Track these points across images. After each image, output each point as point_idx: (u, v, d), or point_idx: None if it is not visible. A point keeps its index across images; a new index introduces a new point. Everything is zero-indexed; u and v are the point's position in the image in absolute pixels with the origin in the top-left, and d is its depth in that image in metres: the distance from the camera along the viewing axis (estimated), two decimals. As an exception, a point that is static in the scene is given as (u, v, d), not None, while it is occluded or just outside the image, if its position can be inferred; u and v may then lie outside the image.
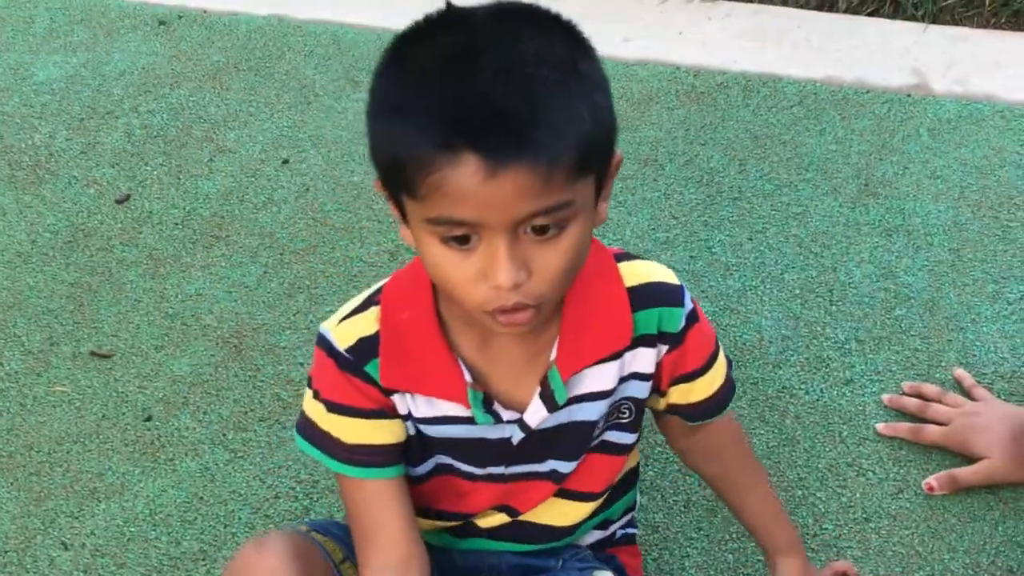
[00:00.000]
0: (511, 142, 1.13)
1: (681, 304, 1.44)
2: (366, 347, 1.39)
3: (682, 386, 1.50)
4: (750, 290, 2.21)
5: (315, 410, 1.43)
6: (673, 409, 1.54)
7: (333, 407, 1.42)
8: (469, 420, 1.41)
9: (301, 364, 2.16)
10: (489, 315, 1.24)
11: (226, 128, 2.69)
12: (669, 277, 1.45)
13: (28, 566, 1.91)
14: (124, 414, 2.12)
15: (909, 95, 2.60)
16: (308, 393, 1.45)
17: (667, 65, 2.75)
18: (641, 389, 1.46)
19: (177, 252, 2.41)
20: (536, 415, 1.41)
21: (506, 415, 1.41)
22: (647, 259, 1.47)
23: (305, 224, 2.44)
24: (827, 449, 1.95)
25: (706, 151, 2.51)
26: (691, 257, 2.28)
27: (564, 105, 1.16)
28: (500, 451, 1.44)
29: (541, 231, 1.19)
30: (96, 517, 1.97)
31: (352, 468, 1.43)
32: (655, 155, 2.51)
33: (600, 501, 1.55)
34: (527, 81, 1.15)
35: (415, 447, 1.47)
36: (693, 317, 1.45)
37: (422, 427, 1.44)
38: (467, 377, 1.38)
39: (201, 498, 1.98)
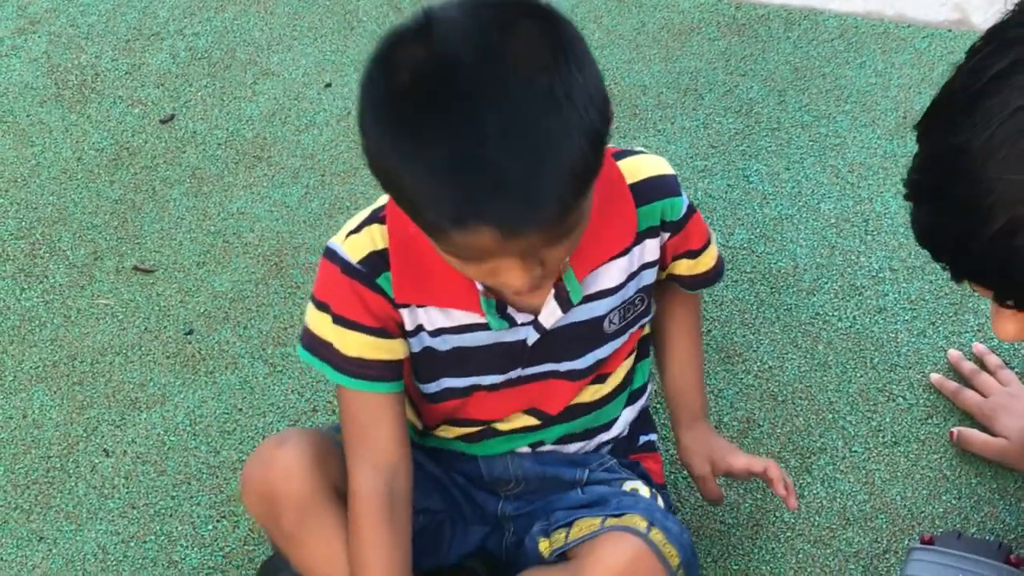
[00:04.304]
0: (523, 214, 1.19)
1: (680, 194, 1.51)
2: (377, 260, 1.42)
3: (686, 261, 1.58)
4: (786, 219, 2.23)
5: (319, 321, 1.46)
6: (675, 278, 1.62)
7: (338, 319, 1.44)
8: (484, 327, 1.45)
9: (340, 282, 2.18)
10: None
11: (270, 52, 2.71)
12: (666, 168, 1.51)
13: (71, 471, 1.96)
14: (166, 327, 2.16)
15: (950, 30, 2.59)
16: (311, 306, 1.47)
17: (709, -4, 2.75)
18: (651, 275, 1.54)
19: (220, 172, 2.43)
20: (552, 316, 1.45)
21: (520, 318, 1.45)
22: (639, 152, 1.52)
23: (346, 147, 2.46)
24: (858, 375, 1.97)
25: (746, 82, 2.52)
26: (728, 186, 2.29)
27: (567, 153, 1.19)
28: (517, 354, 1.48)
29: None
30: (137, 426, 2.01)
31: (350, 379, 1.46)
32: (695, 85, 2.51)
33: (622, 377, 1.61)
34: (529, 141, 1.17)
35: (423, 365, 1.50)
36: (692, 208, 1.54)
37: (435, 341, 1.47)
38: (478, 285, 1.41)
39: (240, 410, 2.02)
